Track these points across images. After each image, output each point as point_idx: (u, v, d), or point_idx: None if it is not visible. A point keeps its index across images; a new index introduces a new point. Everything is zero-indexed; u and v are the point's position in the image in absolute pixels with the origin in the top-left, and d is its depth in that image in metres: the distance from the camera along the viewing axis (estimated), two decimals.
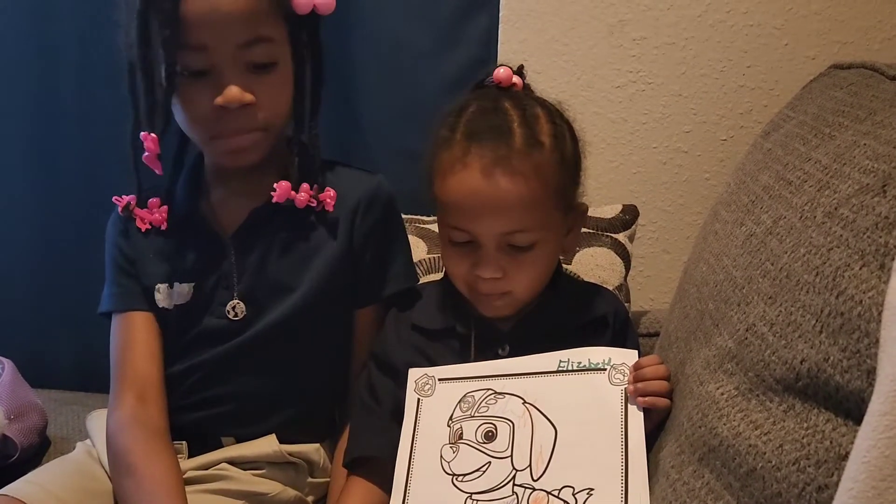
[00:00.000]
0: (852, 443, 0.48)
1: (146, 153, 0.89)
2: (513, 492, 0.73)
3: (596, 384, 0.77)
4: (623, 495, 0.69)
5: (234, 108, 0.84)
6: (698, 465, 0.64)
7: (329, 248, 0.93)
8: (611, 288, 1.09)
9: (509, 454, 0.75)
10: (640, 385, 0.75)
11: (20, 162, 1.38)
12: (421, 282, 1.01)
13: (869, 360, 0.50)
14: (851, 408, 0.51)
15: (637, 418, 0.74)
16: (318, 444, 0.95)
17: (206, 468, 0.91)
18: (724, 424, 0.62)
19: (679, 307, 0.86)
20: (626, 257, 1.14)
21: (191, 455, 0.94)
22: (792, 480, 0.52)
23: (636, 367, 0.76)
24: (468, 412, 0.79)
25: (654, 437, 0.75)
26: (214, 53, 0.83)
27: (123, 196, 0.96)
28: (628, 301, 1.13)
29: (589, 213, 1.14)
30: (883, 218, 0.55)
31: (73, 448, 1.00)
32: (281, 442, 0.92)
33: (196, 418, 0.93)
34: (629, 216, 1.17)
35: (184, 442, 0.94)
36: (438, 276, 1.03)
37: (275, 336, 0.92)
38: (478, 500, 0.74)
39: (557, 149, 0.82)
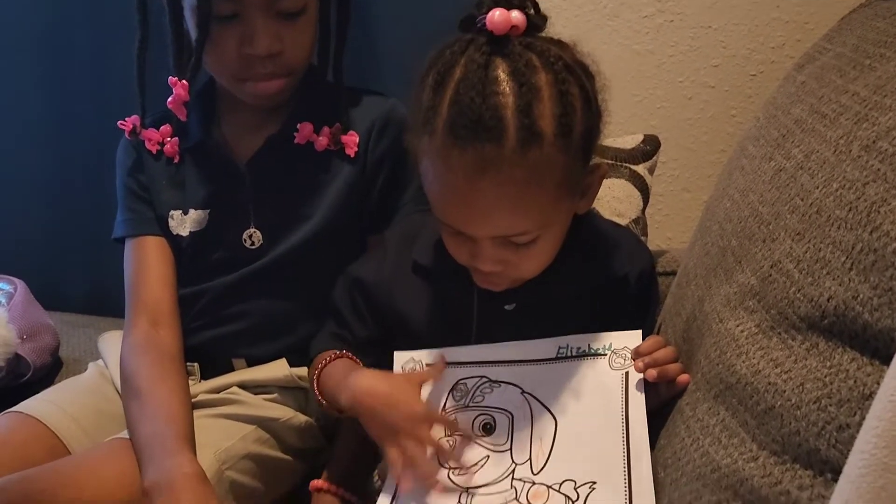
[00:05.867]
0: (877, 383, 0.47)
1: (173, 97, 0.87)
2: (511, 486, 0.69)
3: (596, 370, 0.72)
4: (626, 489, 0.66)
5: (262, 56, 0.84)
6: (713, 402, 0.63)
7: (344, 173, 0.92)
8: (627, 221, 1.07)
9: (508, 447, 0.71)
10: (644, 361, 0.70)
11: (34, 88, 1.36)
12: None
13: None
14: (879, 347, 0.50)
15: (639, 404, 0.69)
16: None
17: (218, 392, 0.92)
18: (743, 362, 0.60)
19: (700, 244, 0.84)
20: (644, 190, 1.11)
21: (203, 377, 0.94)
22: (812, 419, 0.51)
23: (637, 352, 0.71)
24: (462, 402, 0.74)
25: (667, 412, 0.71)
26: (246, 1, 0.81)
27: (127, 119, 0.94)
28: (645, 235, 1.10)
29: (608, 144, 1.11)
30: None
31: (86, 369, 1.01)
32: (291, 367, 0.93)
33: (207, 337, 0.94)
34: (650, 147, 1.13)
35: (196, 364, 0.94)
36: None
37: (289, 262, 0.92)
38: (475, 495, 0.69)
39: (562, 133, 0.66)
